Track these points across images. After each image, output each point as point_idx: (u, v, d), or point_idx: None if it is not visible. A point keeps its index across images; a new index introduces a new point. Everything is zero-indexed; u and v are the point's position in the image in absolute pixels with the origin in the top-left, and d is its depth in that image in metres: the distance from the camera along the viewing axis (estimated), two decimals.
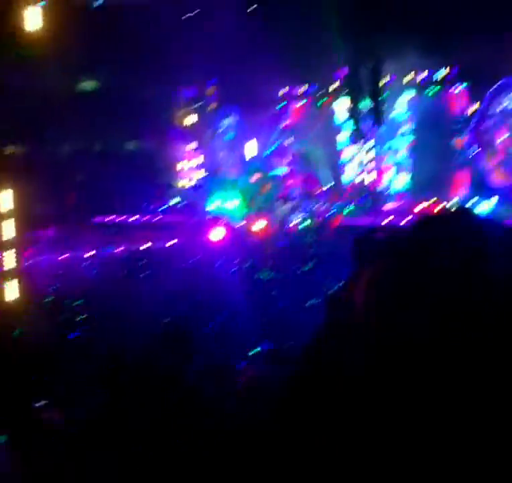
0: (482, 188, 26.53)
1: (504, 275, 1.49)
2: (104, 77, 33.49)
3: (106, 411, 3.87)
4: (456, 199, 26.60)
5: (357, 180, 30.15)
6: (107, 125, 32.34)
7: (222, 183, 29.33)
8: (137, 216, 31.91)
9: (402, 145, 29.75)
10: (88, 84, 34.59)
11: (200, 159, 35.56)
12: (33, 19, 22.33)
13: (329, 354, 3.08)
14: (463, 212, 1.69)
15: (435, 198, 26.74)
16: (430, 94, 28.58)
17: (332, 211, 28.34)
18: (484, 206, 25.56)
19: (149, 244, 26.34)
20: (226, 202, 28.08)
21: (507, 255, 1.52)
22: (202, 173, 34.80)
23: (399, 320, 1.51)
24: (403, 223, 22.60)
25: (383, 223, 25.11)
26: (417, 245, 1.46)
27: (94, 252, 25.12)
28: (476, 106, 27.42)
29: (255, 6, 27.56)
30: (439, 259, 1.43)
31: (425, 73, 28.97)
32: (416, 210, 26.49)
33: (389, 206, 28.92)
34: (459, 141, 27.39)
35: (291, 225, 27.09)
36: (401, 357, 1.54)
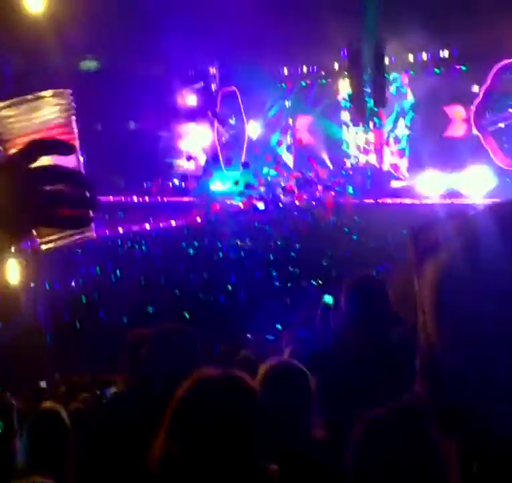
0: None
1: None
2: (106, 57, 33.42)
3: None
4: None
5: (359, 160, 30.15)
6: (109, 105, 32.30)
7: (225, 164, 29.30)
8: (140, 196, 31.97)
9: (402, 125, 29.73)
10: (89, 64, 34.51)
11: (201, 139, 35.56)
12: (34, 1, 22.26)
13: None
14: None
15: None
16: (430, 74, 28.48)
17: (333, 192, 28.40)
18: None
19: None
20: (227, 183, 28.06)
21: None
22: (202, 154, 34.80)
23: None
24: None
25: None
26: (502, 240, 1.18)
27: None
28: (475, 87, 27.42)
29: None
30: None
31: (425, 55, 28.96)
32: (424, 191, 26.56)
33: (393, 185, 28.87)
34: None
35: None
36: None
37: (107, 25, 26.41)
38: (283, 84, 33.03)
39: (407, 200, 26.59)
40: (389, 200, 27.24)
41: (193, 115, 35.30)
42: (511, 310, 1.16)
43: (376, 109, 29.02)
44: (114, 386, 6.63)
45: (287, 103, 33.46)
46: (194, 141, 35.60)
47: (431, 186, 26.85)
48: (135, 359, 4.65)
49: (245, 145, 32.22)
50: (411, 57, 29.31)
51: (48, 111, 1.45)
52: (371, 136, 29.71)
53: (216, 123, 34.45)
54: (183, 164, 31.97)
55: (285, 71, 32.85)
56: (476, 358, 1.19)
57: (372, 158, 29.78)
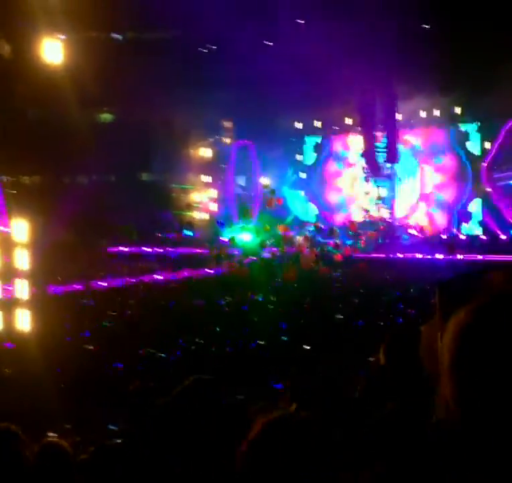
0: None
1: None
2: (122, 109, 33.87)
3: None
4: None
5: (371, 215, 30.22)
6: (122, 156, 32.66)
7: (237, 218, 29.41)
8: (152, 247, 32.09)
9: (413, 181, 29.93)
10: (104, 116, 34.99)
11: (214, 192, 35.84)
12: (52, 52, 22.68)
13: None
14: None
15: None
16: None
17: (344, 245, 28.43)
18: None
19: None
20: (241, 236, 28.06)
21: None
22: (215, 206, 35.02)
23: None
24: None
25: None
26: None
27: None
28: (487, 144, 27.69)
29: (270, 42, 27.93)
30: None
31: (438, 112, 29.24)
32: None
33: (402, 241, 28.95)
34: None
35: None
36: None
37: (124, 78, 26.84)
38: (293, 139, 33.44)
39: (419, 255, 26.53)
40: (400, 255, 27.19)
41: (207, 168, 35.63)
42: None
43: (388, 165, 29.24)
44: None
45: (299, 158, 33.77)
46: (206, 192, 35.88)
47: None
48: (136, 410, 4.63)
49: (258, 198, 32.40)
50: (422, 114, 29.58)
51: None
52: (383, 191, 29.83)
53: (230, 176, 34.72)
54: (197, 216, 32.09)
55: (300, 126, 33.19)
56: (493, 421, 1.13)
57: (384, 214, 29.85)
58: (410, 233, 29.57)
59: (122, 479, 3.61)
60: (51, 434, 10.72)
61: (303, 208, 32.33)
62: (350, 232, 28.76)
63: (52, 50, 22.76)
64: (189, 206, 32.02)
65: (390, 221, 29.57)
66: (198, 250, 28.02)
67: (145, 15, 25.04)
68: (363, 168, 30.77)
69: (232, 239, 26.95)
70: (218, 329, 17.58)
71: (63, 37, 23.92)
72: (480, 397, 1.16)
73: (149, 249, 31.93)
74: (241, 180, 34.77)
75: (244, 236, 27.68)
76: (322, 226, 28.98)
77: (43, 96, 24.82)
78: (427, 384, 1.37)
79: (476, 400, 1.16)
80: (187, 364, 13.80)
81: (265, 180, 32.88)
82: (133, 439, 4.15)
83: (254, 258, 26.05)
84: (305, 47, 25.06)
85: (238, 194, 34.42)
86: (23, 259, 16.35)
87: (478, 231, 27.82)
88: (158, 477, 2.66)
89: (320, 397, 4.95)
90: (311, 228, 29.90)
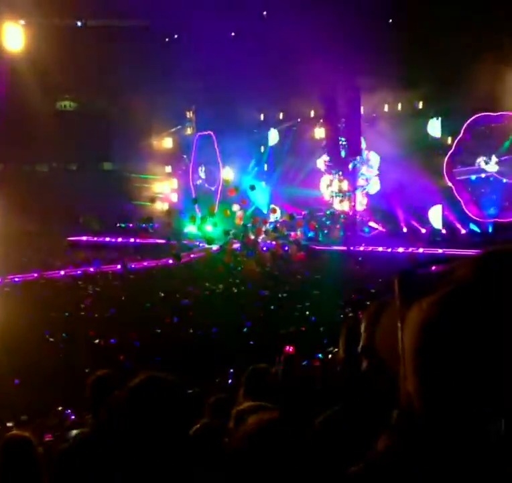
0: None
1: None
2: (83, 97, 33.58)
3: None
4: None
5: (333, 208, 30.30)
6: (84, 145, 32.42)
7: (198, 207, 29.25)
8: (113, 237, 31.93)
9: (373, 174, 30.05)
10: (66, 104, 34.65)
11: (174, 182, 35.73)
12: (13, 38, 22.35)
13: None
14: None
15: None
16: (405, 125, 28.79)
17: (306, 237, 28.56)
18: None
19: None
20: (201, 226, 27.96)
21: None
22: (175, 196, 34.90)
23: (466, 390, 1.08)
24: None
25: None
26: (492, 286, 1.08)
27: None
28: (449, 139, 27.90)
29: (234, 34, 27.87)
30: None
31: (399, 105, 29.40)
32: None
33: (363, 234, 29.15)
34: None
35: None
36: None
37: (85, 66, 26.57)
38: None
39: (379, 248, 26.72)
40: (361, 248, 27.35)
41: (168, 158, 35.50)
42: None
43: (350, 157, 29.31)
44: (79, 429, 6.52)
45: (262, 149, 33.77)
46: (166, 183, 35.80)
47: None
48: (99, 401, 4.59)
49: (220, 189, 32.34)
50: (385, 108, 29.69)
51: None
52: (344, 184, 29.89)
53: (190, 167, 34.62)
54: (154, 206, 31.91)
55: (262, 117, 33.18)
56: (458, 415, 1.11)
57: (346, 206, 29.92)
58: (371, 226, 29.73)
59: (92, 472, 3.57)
60: (9, 424, 10.61)
61: (264, 199, 32.30)
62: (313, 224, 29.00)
63: (13, 36, 22.45)
64: (153, 200, 31.80)
65: (351, 213, 29.65)
66: (159, 241, 27.90)
67: (109, 1, 24.81)
68: (324, 161, 30.82)
69: (196, 229, 27.02)
70: (175, 319, 17.58)
71: (23, 22, 23.63)
72: (444, 390, 1.13)
73: (111, 239, 31.76)
74: (202, 171, 34.67)
75: (206, 226, 27.63)
76: (295, 215, 29.05)
77: (2, 82, 24.46)
78: (385, 376, 1.34)
79: (439, 393, 1.14)
80: (144, 354, 13.77)
81: (226, 173, 32.85)
82: (97, 429, 4.11)
83: (219, 247, 26.11)
84: (269, 37, 25.03)
85: (198, 185, 34.36)
86: None
87: (438, 225, 28.01)
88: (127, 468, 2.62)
89: (275, 391, 4.96)
90: (276, 218, 30.05)
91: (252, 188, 28.71)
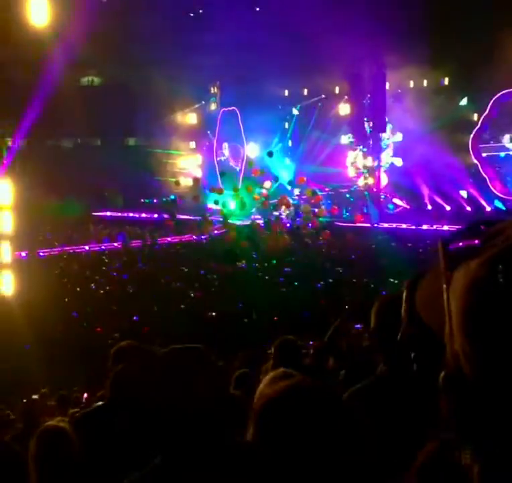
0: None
1: None
2: (108, 72, 33.56)
3: None
4: None
5: (358, 184, 30.16)
6: (108, 120, 32.46)
7: (222, 183, 29.18)
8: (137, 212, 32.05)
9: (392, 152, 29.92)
10: (91, 79, 34.66)
11: (199, 158, 35.67)
12: (38, 12, 22.27)
13: None
14: None
15: None
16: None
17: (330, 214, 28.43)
18: None
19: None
20: (224, 202, 27.91)
21: None
22: (199, 172, 34.82)
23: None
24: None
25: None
26: None
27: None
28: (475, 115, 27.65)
29: (259, 8, 27.70)
30: None
31: (425, 82, 29.12)
32: None
33: (388, 211, 29.01)
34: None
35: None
36: None
37: (110, 41, 26.50)
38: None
39: (404, 225, 26.58)
40: (385, 224, 27.23)
41: (192, 134, 35.45)
42: None
43: (375, 133, 29.11)
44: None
45: (287, 125, 33.65)
46: (190, 159, 35.77)
47: None
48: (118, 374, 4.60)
49: (244, 166, 32.21)
50: (411, 84, 29.43)
51: None
52: (369, 160, 29.71)
53: (215, 143, 34.53)
54: (182, 182, 31.87)
55: (286, 93, 33.03)
56: (507, 373, 1.05)
57: (370, 182, 29.75)
58: (395, 203, 29.58)
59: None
60: (34, 396, 10.71)
61: (289, 176, 32.16)
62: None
63: (38, 11, 22.37)
64: (178, 183, 31.63)
65: (374, 190, 29.47)
66: (184, 217, 27.87)
67: None
68: (349, 136, 30.65)
69: (218, 204, 26.92)
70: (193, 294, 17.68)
71: None
72: (495, 349, 1.11)
73: (135, 215, 31.87)
74: (226, 148, 34.59)
75: (230, 203, 27.62)
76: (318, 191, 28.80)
77: (28, 58, 24.48)
78: (428, 340, 1.31)
79: (490, 353, 1.12)
80: (169, 329, 13.82)
81: (251, 149, 32.74)
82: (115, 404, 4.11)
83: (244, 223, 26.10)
84: (294, 12, 24.84)
85: (222, 161, 34.26)
86: (5, 222, 16.21)
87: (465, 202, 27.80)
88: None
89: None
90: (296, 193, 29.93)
91: (270, 154, 28.64)
